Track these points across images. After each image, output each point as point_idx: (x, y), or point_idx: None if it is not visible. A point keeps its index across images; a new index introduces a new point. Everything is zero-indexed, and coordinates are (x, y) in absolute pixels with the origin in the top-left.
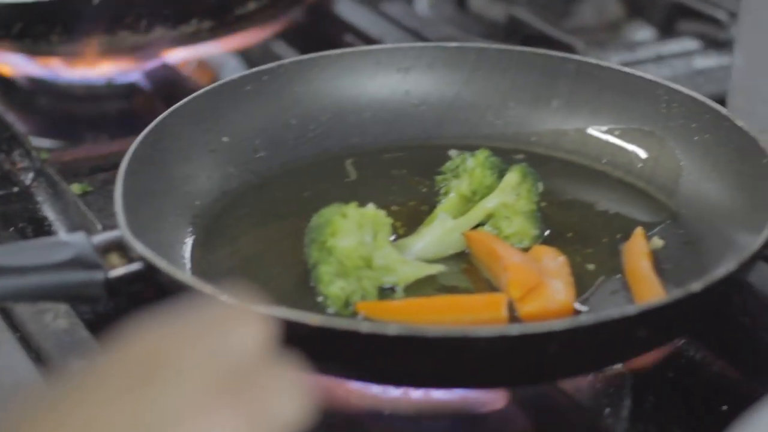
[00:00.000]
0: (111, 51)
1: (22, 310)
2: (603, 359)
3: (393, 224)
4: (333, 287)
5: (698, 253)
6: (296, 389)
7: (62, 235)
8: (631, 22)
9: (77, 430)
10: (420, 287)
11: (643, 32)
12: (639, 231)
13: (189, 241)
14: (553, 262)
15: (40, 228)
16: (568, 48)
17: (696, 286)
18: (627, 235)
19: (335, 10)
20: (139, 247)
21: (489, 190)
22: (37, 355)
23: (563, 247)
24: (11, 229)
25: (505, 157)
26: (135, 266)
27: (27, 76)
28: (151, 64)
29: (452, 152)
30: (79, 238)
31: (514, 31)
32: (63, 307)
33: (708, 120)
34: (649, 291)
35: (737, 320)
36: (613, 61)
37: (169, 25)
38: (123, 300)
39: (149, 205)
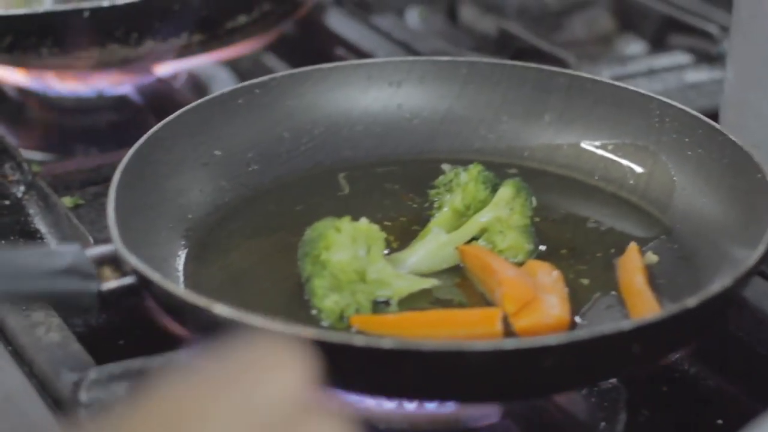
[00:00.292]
0: (102, 64)
1: (15, 323)
2: (598, 374)
3: (386, 238)
4: (327, 301)
5: (693, 268)
6: None
7: (57, 245)
8: (623, 36)
9: None
10: (414, 301)
11: (635, 46)
12: (633, 246)
13: (182, 255)
14: (548, 277)
15: (32, 241)
16: (559, 62)
17: (691, 301)
18: (621, 250)
19: (326, 23)
20: (132, 260)
21: (482, 204)
22: (29, 368)
23: (557, 262)
24: (2, 241)
25: (498, 171)
26: (128, 280)
27: (18, 89)
28: (142, 77)
29: (445, 166)
30: (74, 248)
31: (505, 45)
32: (55, 321)
33: (701, 134)
34: (644, 306)
35: (732, 335)
36: (604, 75)
37: (159, 39)
38: (115, 313)
39: (142, 218)
